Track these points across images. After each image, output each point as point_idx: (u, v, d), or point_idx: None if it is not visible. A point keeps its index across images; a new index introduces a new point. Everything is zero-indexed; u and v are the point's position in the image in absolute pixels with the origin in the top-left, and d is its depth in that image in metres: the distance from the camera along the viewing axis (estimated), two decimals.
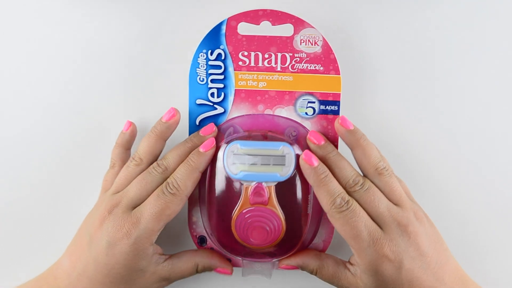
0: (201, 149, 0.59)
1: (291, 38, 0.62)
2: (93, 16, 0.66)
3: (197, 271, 0.62)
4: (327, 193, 0.56)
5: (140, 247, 0.57)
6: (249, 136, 0.62)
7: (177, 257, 0.61)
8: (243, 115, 0.63)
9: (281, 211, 0.60)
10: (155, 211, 0.57)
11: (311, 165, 0.57)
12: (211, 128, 0.62)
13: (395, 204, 0.57)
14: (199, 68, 0.62)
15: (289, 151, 0.59)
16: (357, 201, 0.57)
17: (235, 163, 0.59)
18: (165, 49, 0.66)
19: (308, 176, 0.58)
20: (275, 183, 0.60)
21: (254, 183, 0.60)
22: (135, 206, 0.58)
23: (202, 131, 0.61)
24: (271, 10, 0.61)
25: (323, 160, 0.58)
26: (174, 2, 0.66)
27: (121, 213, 0.57)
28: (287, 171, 0.59)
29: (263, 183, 0.60)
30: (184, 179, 0.58)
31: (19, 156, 0.67)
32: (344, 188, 0.57)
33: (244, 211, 0.60)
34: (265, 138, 0.61)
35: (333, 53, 0.61)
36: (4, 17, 0.66)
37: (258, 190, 0.60)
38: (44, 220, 0.68)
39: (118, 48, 0.66)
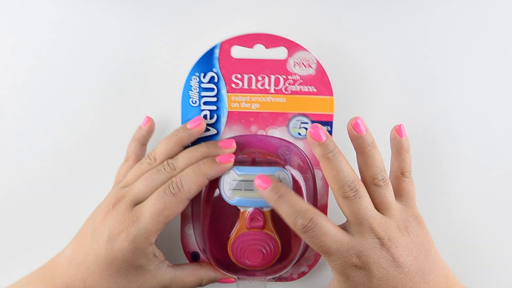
0: (218, 159, 0.60)
1: (284, 61, 0.61)
2: (81, 40, 0.66)
3: (201, 284, 0.63)
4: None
5: (139, 246, 0.57)
6: (247, 160, 0.62)
7: (182, 267, 0.62)
8: (236, 136, 0.63)
9: (277, 234, 0.61)
10: (154, 211, 0.57)
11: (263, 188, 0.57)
12: (230, 142, 0.62)
13: (384, 213, 0.58)
14: (191, 90, 0.62)
15: (285, 176, 0.60)
16: (345, 207, 0.57)
17: (231, 188, 0.60)
18: (158, 72, 0.66)
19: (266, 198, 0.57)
20: (272, 208, 0.61)
21: (250, 208, 0.61)
22: (139, 202, 0.59)
23: (221, 143, 0.61)
24: (265, 34, 0.60)
25: (321, 158, 0.57)
26: (166, 26, 0.65)
27: (124, 208, 0.58)
28: None
29: (260, 209, 0.61)
30: (190, 181, 0.58)
31: (27, 153, 0.68)
32: (338, 190, 0.56)
33: (240, 235, 0.61)
34: (261, 163, 0.62)
35: (327, 75, 0.61)
36: (4, 17, 0.66)
37: (254, 216, 0.61)
38: (54, 214, 0.69)
39: (109, 72, 0.66)
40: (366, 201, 0.56)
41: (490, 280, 0.69)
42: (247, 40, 0.61)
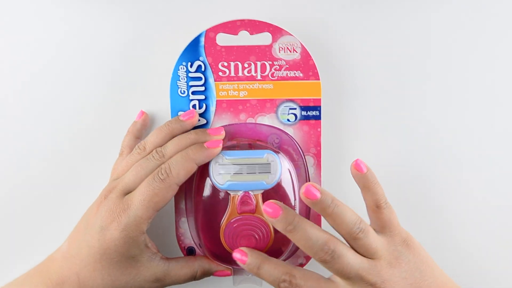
0: (206, 144, 0.60)
1: (269, 47, 0.62)
2: (73, 39, 0.67)
3: (196, 277, 0.63)
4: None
5: (130, 234, 0.57)
6: (235, 146, 0.62)
7: (176, 260, 0.62)
8: (226, 125, 0.63)
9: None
10: (143, 198, 0.57)
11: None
12: (219, 130, 0.62)
13: (372, 258, 0.56)
14: (179, 80, 0.63)
15: (274, 159, 0.60)
16: (329, 269, 0.55)
17: (221, 173, 0.60)
18: (145, 62, 0.66)
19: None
20: (262, 191, 0.60)
21: (241, 192, 0.60)
22: (129, 191, 0.59)
23: (209, 130, 0.62)
24: (249, 20, 0.61)
25: (285, 233, 0.55)
26: (151, 16, 0.66)
27: (114, 198, 0.58)
28: (273, 178, 0.60)
29: (250, 192, 0.60)
30: (178, 166, 0.58)
31: (27, 153, 0.68)
32: (314, 257, 0.55)
33: (232, 220, 0.61)
34: (250, 147, 0.62)
35: (312, 59, 0.62)
36: (4, 17, 0.67)
37: (245, 199, 0.60)
38: (53, 213, 0.69)
39: (105, 70, 0.67)
40: (347, 257, 0.55)
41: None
42: (231, 27, 0.62)
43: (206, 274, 0.63)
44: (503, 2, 0.66)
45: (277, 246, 0.62)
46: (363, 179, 0.58)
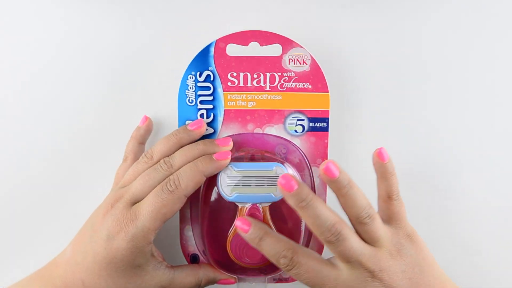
0: (214, 156, 0.59)
1: (279, 58, 0.62)
2: (79, 41, 0.66)
3: (200, 286, 0.63)
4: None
5: (137, 244, 0.57)
6: (243, 157, 0.62)
7: (180, 268, 0.62)
8: (233, 135, 0.63)
9: (275, 230, 0.61)
10: (152, 209, 0.57)
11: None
12: (227, 140, 0.62)
13: (374, 245, 0.57)
14: (188, 90, 0.62)
15: (282, 171, 0.60)
16: (331, 249, 0.56)
17: (229, 185, 0.60)
18: (151, 67, 0.66)
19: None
20: (270, 203, 0.61)
21: (249, 204, 0.61)
22: (137, 201, 0.59)
23: (218, 141, 0.62)
24: (260, 31, 0.61)
25: (296, 208, 0.56)
26: (161, 26, 0.65)
27: (122, 207, 0.58)
28: None
29: (258, 204, 0.61)
30: (187, 178, 0.58)
31: (27, 153, 0.68)
32: (320, 236, 0.55)
33: (234, 233, 0.61)
34: (259, 158, 0.62)
35: (321, 71, 0.62)
36: (4, 17, 0.66)
37: (253, 211, 0.60)
38: (53, 215, 0.69)
39: (106, 72, 0.67)
40: (351, 241, 0.55)
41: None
42: (242, 37, 0.61)
43: (210, 282, 0.64)
44: (503, 2, 0.66)
45: None
46: (382, 168, 0.59)
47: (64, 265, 0.59)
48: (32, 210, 0.69)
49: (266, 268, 0.63)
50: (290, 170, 0.61)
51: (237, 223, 0.58)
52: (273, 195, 0.60)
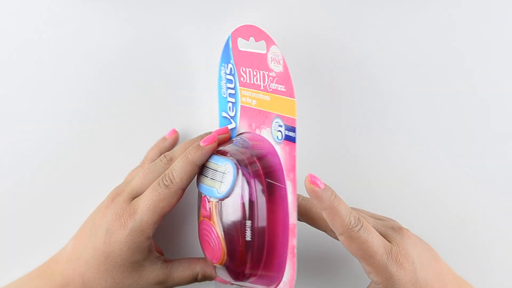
0: (201, 143, 0.59)
1: (265, 56, 0.57)
2: (88, 42, 0.70)
3: (197, 280, 0.64)
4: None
5: (136, 239, 0.59)
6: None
7: (178, 262, 0.64)
8: (244, 132, 0.62)
9: (221, 230, 0.58)
10: (149, 203, 0.58)
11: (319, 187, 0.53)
12: (224, 129, 0.62)
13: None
14: (222, 81, 0.64)
15: (230, 170, 0.57)
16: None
17: (200, 173, 0.61)
18: (189, 61, 0.69)
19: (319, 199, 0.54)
20: (217, 200, 0.58)
21: (203, 195, 0.60)
22: (137, 195, 0.60)
23: (216, 131, 0.62)
24: (253, 26, 0.58)
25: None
26: (175, 22, 0.68)
27: (121, 202, 0.60)
28: (224, 189, 0.57)
29: (207, 197, 0.59)
30: (180, 171, 0.58)
31: (27, 153, 0.72)
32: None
33: (199, 222, 0.61)
34: (223, 153, 0.60)
35: (289, 75, 0.54)
36: (4, 17, 0.69)
37: (203, 204, 0.60)
38: (54, 214, 0.72)
39: (110, 73, 0.70)
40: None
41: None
42: (244, 32, 0.59)
43: (207, 278, 0.64)
44: (503, 2, 0.63)
45: (240, 268, 0.59)
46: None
47: (65, 261, 0.62)
48: (32, 210, 0.72)
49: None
50: (242, 177, 0.57)
51: (309, 178, 0.54)
52: (216, 191, 0.58)
